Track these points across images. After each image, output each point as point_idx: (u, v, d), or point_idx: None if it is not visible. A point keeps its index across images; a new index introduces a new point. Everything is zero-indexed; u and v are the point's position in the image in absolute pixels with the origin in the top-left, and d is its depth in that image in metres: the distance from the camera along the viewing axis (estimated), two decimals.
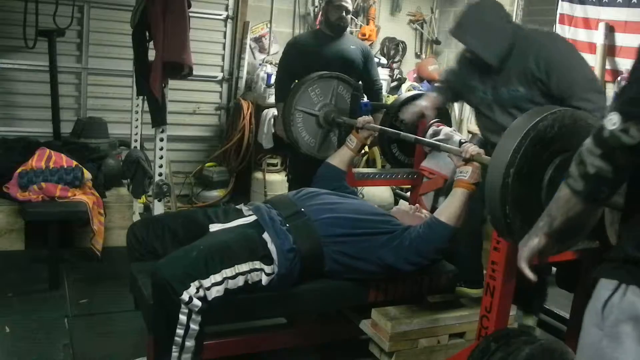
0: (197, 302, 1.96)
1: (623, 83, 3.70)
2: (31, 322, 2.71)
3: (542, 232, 1.39)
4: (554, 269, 3.12)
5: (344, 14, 3.63)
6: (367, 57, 3.79)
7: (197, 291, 1.96)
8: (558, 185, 1.64)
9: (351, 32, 5.34)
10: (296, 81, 3.89)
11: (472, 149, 2.20)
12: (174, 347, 1.99)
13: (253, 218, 2.30)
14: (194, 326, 1.98)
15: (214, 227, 2.27)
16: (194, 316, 1.97)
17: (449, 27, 2.73)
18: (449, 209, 2.21)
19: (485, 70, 2.52)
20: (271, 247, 2.17)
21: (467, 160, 2.21)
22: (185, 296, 1.94)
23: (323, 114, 3.17)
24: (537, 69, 2.35)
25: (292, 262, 2.19)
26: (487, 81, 2.54)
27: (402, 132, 2.74)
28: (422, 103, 2.88)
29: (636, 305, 1.17)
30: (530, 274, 1.43)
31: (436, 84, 2.95)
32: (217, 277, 2.01)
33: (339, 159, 2.81)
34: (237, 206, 2.46)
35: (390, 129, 2.94)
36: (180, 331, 1.97)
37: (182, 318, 1.96)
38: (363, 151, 4.63)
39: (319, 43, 3.70)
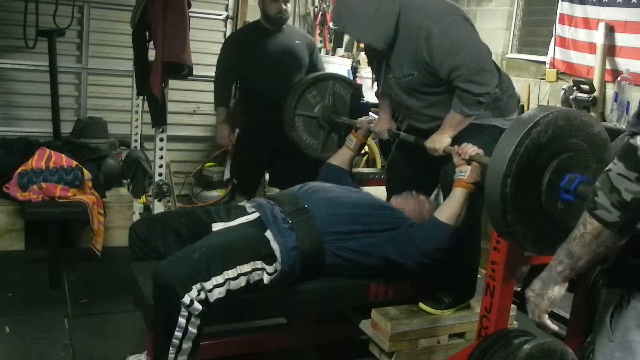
0: (197, 306, 1.95)
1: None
2: (31, 322, 2.71)
3: (562, 278, 1.25)
4: None
5: (282, 5, 3.35)
6: (313, 50, 3.61)
7: (199, 294, 1.96)
8: (556, 187, 1.65)
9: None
10: (237, 82, 3.66)
11: (471, 149, 2.20)
12: (171, 348, 1.99)
13: (256, 215, 2.29)
14: (192, 329, 1.98)
15: (216, 226, 2.26)
16: (193, 319, 1.97)
17: None
18: (448, 209, 2.23)
19: (380, 55, 2.42)
20: (274, 244, 2.17)
21: (466, 160, 2.21)
22: (186, 299, 1.93)
23: (322, 114, 3.17)
24: (422, 51, 2.27)
25: (295, 259, 2.19)
26: (388, 65, 2.45)
27: (402, 132, 2.74)
28: (376, 130, 2.75)
29: None
30: (553, 326, 1.33)
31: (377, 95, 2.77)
32: (218, 279, 2.00)
33: (340, 159, 2.81)
34: (240, 203, 2.45)
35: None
36: (178, 333, 1.97)
37: (181, 321, 1.96)
38: (363, 151, 4.63)
39: (260, 38, 3.42)
